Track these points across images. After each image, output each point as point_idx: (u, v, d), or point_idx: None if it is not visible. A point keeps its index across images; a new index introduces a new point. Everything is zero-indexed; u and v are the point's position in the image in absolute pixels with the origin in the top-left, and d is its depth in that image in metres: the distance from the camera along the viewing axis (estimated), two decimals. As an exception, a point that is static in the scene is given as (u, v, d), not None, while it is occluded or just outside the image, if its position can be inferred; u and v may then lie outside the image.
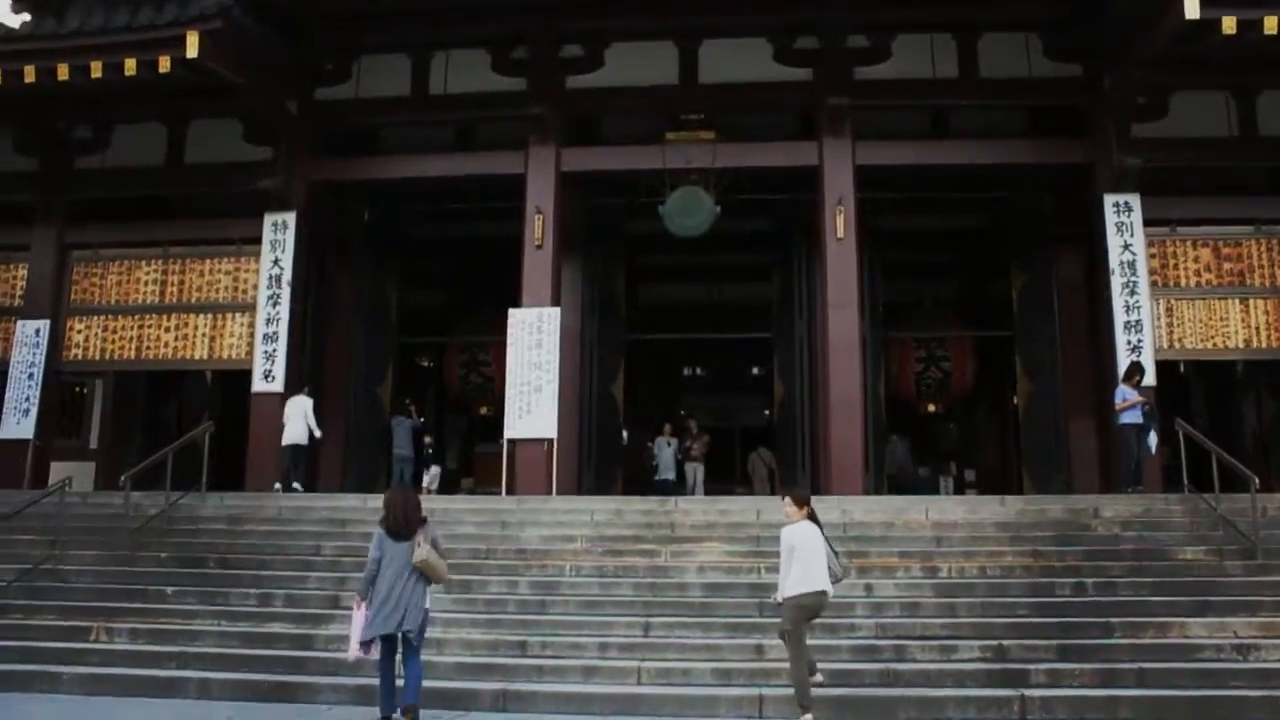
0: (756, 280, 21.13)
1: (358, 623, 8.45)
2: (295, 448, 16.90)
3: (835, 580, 8.75)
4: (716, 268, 21.86)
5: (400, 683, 8.51)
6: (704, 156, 17.29)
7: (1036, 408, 18.95)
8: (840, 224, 16.65)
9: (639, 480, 21.29)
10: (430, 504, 14.32)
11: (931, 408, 22.69)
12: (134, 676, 9.85)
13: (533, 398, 16.49)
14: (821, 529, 8.79)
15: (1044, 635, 10.14)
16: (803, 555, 8.50)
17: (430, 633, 10.23)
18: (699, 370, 26.39)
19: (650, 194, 17.77)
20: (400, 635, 8.39)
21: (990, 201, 19.62)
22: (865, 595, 11.11)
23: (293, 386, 17.25)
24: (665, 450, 19.94)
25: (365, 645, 8.40)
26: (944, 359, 21.85)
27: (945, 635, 10.17)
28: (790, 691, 8.70)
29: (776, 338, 20.04)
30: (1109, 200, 16.59)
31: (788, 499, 8.91)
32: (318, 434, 17.21)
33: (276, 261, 17.64)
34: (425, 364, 25.21)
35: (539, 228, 17.09)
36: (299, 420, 16.89)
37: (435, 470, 19.87)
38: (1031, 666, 9.47)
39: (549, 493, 15.83)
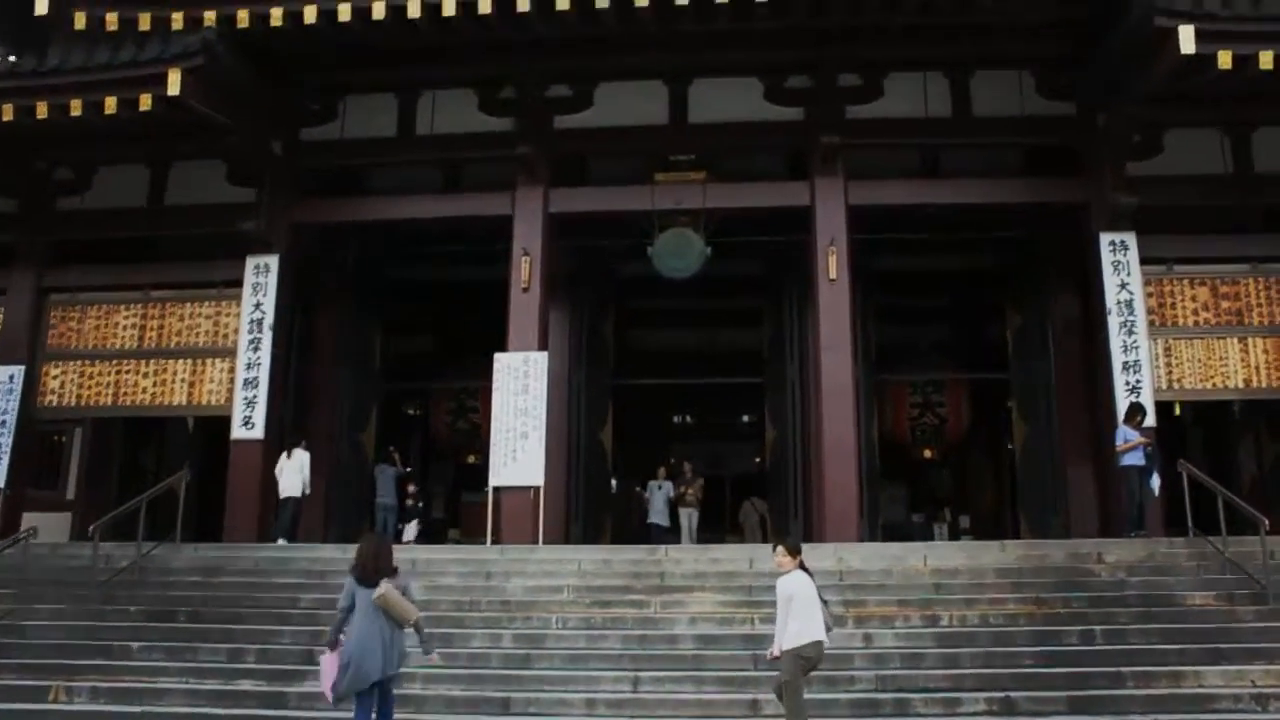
0: (747, 325, 20.82)
1: (327, 670, 8.31)
2: (295, 500, 16.42)
3: (827, 630, 8.52)
4: (707, 312, 21.48)
5: None
6: (694, 197, 16.93)
7: (1033, 451, 18.54)
8: (833, 265, 16.27)
9: (628, 530, 20.84)
10: (412, 554, 14.01)
11: (927, 453, 22.19)
12: (94, 738, 9.28)
13: (519, 444, 15.99)
14: (812, 578, 8.58)
15: (1052, 686, 9.64)
16: (800, 605, 8.29)
17: (409, 689, 9.79)
18: (689, 417, 25.98)
19: (640, 236, 17.43)
20: (379, 683, 8.22)
21: (985, 242, 19.29)
22: (864, 646, 10.61)
23: (274, 435, 16.79)
24: (658, 494, 19.16)
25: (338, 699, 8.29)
26: (939, 403, 21.45)
27: (949, 687, 9.66)
28: (787, 750, 8.23)
29: (768, 382, 19.63)
30: (1105, 239, 16.26)
31: (780, 549, 8.70)
32: (307, 490, 16.71)
33: (258, 305, 17.19)
34: (411, 411, 24.68)
35: (526, 270, 16.69)
36: (294, 474, 16.38)
37: (414, 525, 19.35)
38: (1041, 720, 8.98)
39: (535, 542, 15.29)
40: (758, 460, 24.17)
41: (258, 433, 16.73)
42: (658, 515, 18.84)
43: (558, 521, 17.70)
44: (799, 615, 8.27)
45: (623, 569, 13.13)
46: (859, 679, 9.78)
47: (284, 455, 16.86)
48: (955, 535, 21.82)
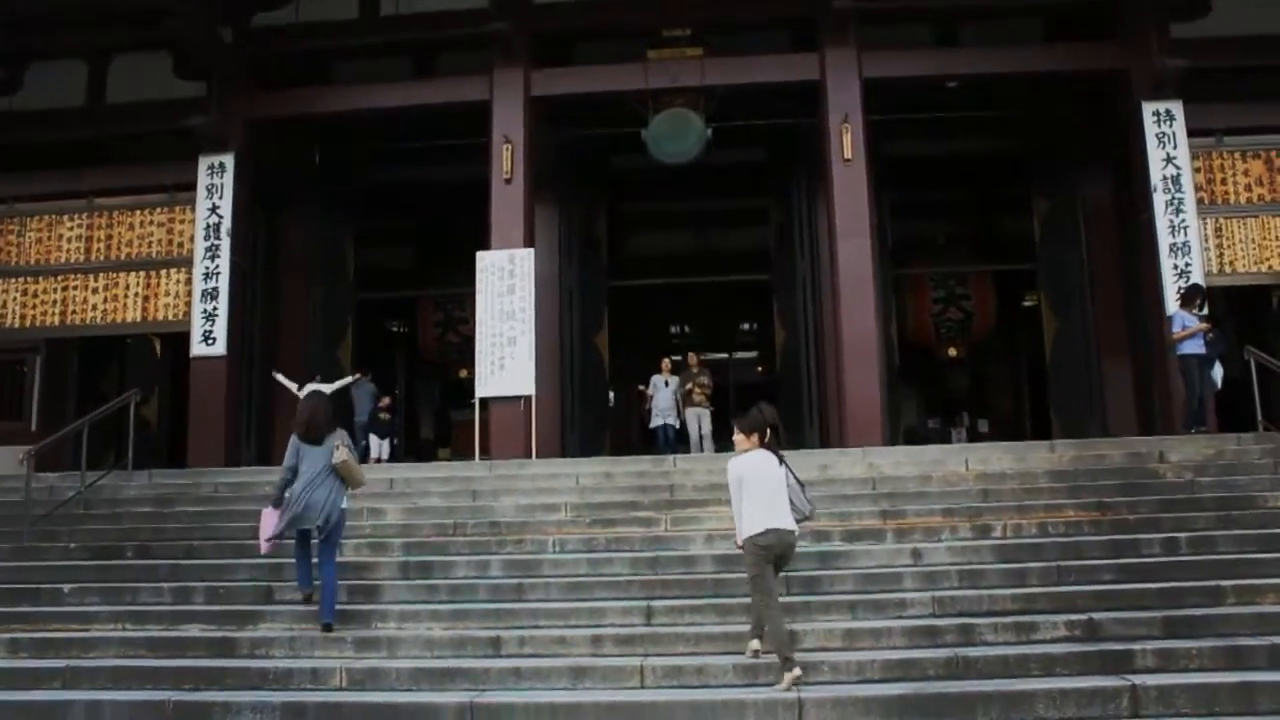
0: (752, 222, 18.92)
1: (266, 523, 8.59)
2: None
3: (802, 518, 7.63)
4: (708, 205, 19.43)
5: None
6: (692, 74, 15.10)
7: (1065, 346, 16.91)
8: (847, 143, 14.52)
9: (629, 444, 19.24)
10: (390, 473, 12.34)
11: (952, 351, 20.42)
12: (6, 703, 7.62)
13: (506, 351, 14.33)
14: (783, 460, 7.58)
15: (1141, 605, 8.02)
16: (755, 489, 7.34)
17: (381, 629, 8.25)
18: (689, 322, 23.94)
19: (633, 123, 15.54)
20: (317, 538, 8.46)
21: (1009, 122, 17.46)
22: (912, 564, 8.99)
23: (238, 350, 15.37)
24: (663, 391, 16.02)
25: (273, 544, 8.60)
26: (964, 296, 19.64)
27: (1019, 609, 8.04)
28: (835, 692, 6.71)
29: (776, 280, 17.84)
30: (1148, 109, 14.56)
31: (736, 428, 7.73)
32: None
33: (214, 209, 15.41)
34: (395, 327, 22.89)
35: (508, 160, 14.89)
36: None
37: (385, 443, 17.65)
38: (1135, 646, 7.34)
39: (528, 457, 13.70)
40: (759, 369, 22.50)
41: (219, 348, 15.10)
42: (664, 415, 15.83)
43: (552, 435, 16.10)
44: (753, 499, 7.31)
45: (626, 483, 11.52)
46: (911, 603, 8.15)
47: (298, 390, 15.38)
48: (974, 440, 20.18)
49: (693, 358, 16.38)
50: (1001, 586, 8.44)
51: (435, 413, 23.48)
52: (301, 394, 15.46)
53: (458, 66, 15.95)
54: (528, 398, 14.26)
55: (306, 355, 17.21)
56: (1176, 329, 12.61)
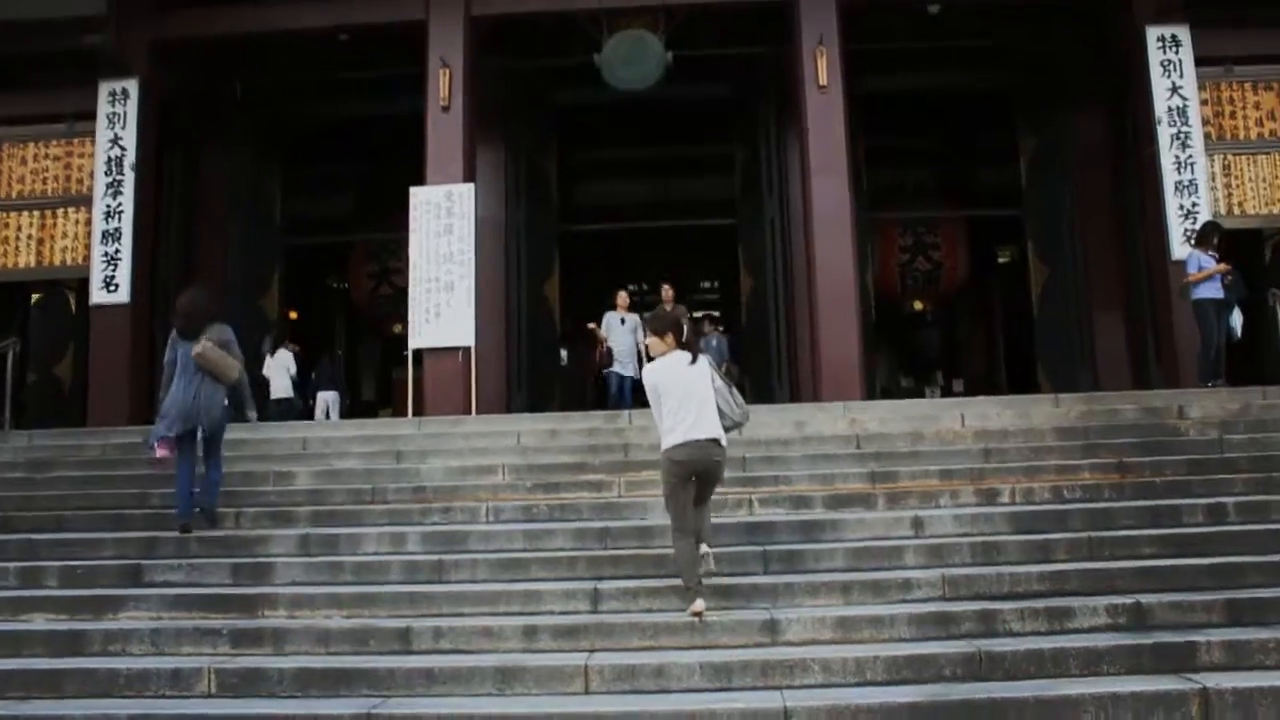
0: (716, 160, 17.17)
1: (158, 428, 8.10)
2: (287, 402, 14.94)
3: (732, 426, 6.57)
4: (668, 144, 17.58)
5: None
6: (651, -9, 13.36)
7: (1054, 297, 15.43)
8: (823, 69, 12.94)
9: (584, 406, 17.52)
10: (306, 431, 10.66)
11: (917, 305, 18.88)
12: None
13: (443, 298, 12.66)
14: (713, 364, 6.61)
15: (1194, 585, 6.51)
16: (672, 397, 6.33)
17: (267, 618, 6.61)
18: (649, 270, 21.93)
19: (585, 51, 13.81)
20: (200, 438, 8.08)
21: (994, 53, 15.82)
22: (914, 535, 7.45)
23: (144, 298, 13.62)
24: (618, 330, 13.21)
25: (165, 443, 7.96)
26: (932, 245, 18.01)
27: (1048, 591, 6.50)
28: (830, 698, 5.20)
29: (742, 223, 16.17)
30: (1152, 34, 13.11)
31: (647, 329, 6.87)
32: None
33: (116, 140, 13.58)
34: (331, 280, 20.99)
35: (445, 85, 13.16)
36: (281, 374, 15.00)
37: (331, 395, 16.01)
38: (1196, 638, 5.82)
39: (467, 415, 12.04)
40: (721, 327, 20.77)
41: (122, 296, 13.35)
42: (620, 361, 13.04)
43: (496, 393, 14.43)
44: (672, 409, 6.31)
45: (574, 442, 9.91)
46: (917, 583, 6.58)
47: (268, 355, 15.15)
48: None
49: (667, 292, 13.37)
50: (1024, 562, 6.90)
51: (376, 373, 21.65)
52: (268, 362, 14.93)
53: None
54: (467, 350, 12.60)
55: (226, 306, 15.29)
56: (1191, 271, 11.14)
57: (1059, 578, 6.60)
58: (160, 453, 8.00)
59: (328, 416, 15.83)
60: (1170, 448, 9.10)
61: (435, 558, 7.28)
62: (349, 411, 17.09)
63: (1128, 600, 6.19)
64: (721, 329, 15.39)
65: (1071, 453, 9.10)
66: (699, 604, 6.10)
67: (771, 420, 10.11)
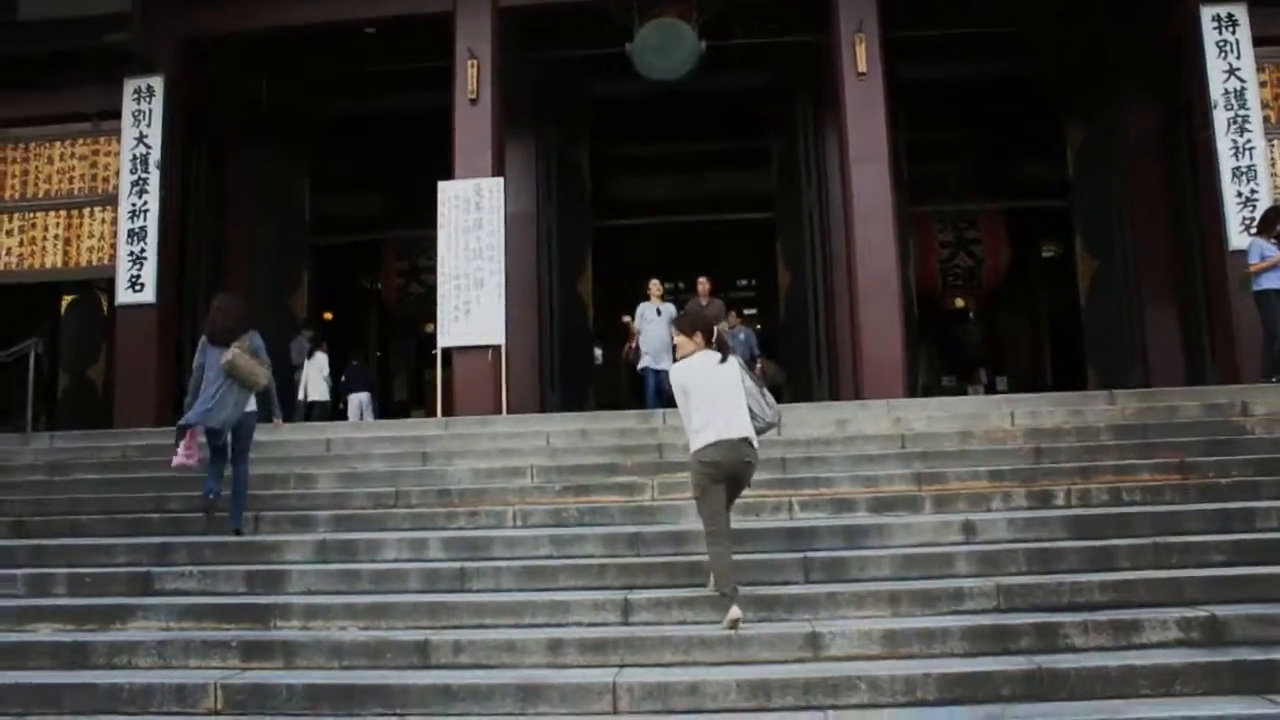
0: (754, 153, 16.59)
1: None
2: (320, 406, 14.83)
3: (764, 427, 6.32)
4: (704, 137, 16.98)
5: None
6: (683, -22, 12.95)
7: (1103, 290, 14.88)
8: (861, 56, 12.46)
9: (618, 408, 17.08)
10: (328, 433, 10.30)
11: (966, 302, 18.28)
12: None
13: (472, 295, 12.29)
14: (744, 365, 6.35)
15: (1274, 597, 5.96)
16: (701, 397, 6.06)
17: (279, 630, 6.25)
18: (686, 267, 21.31)
19: (617, 41, 13.38)
20: (229, 443, 7.98)
21: (1039, 40, 15.21)
22: (965, 540, 6.97)
23: (171, 298, 13.38)
24: (654, 323, 12.26)
25: (189, 448, 7.86)
26: (974, 241, 17.40)
27: (1112, 602, 5.99)
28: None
29: (780, 216, 15.69)
30: (1207, 13, 12.44)
31: (674, 329, 6.56)
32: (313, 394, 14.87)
33: (141, 138, 13.32)
34: (363, 279, 20.67)
35: (473, 77, 12.80)
36: (318, 377, 14.84)
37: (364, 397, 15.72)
38: None
39: (498, 414, 11.66)
40: (757, 326, 20.18)
41: (148, 295, 13.07)
42: (655, 356, 12.08)
43: (529, 393, 14.10)
44: (701, 409, 6.03)
45: (606, 443, 9.49)
46: (970, 593, 6.09)
47: (306, 359, 14.95)
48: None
49: (703, 285, 12.57)
50: (1084, 570, 6.40)
51: (409, 372, 21.35)
52: (306, 365, 14.73)
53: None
54: (497, 348, 12.22)
55: (255, 307, 15.00)
56: (1254, 260, 10.52)
57: (1124, 587, 6.09)
58: (178, 460, 7.90)
59: (360, 418, 15.54)
60: (1235, 447, 8.54)
61: (457, 565, 6.88)
62: (381, 412, 16.80)
63: (1201, 613, 5.68)
64: (744, 323, 14.75)
65: (1129, 452, 8.56)
66: (735, 612, 5.73)
67: (812, 419, 9.65)
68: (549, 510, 7.95)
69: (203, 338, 8.14)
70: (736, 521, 6.96)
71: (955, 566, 6.52)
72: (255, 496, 8.60)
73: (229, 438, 7.95)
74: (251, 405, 8.04)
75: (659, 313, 12.41)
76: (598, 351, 18.12)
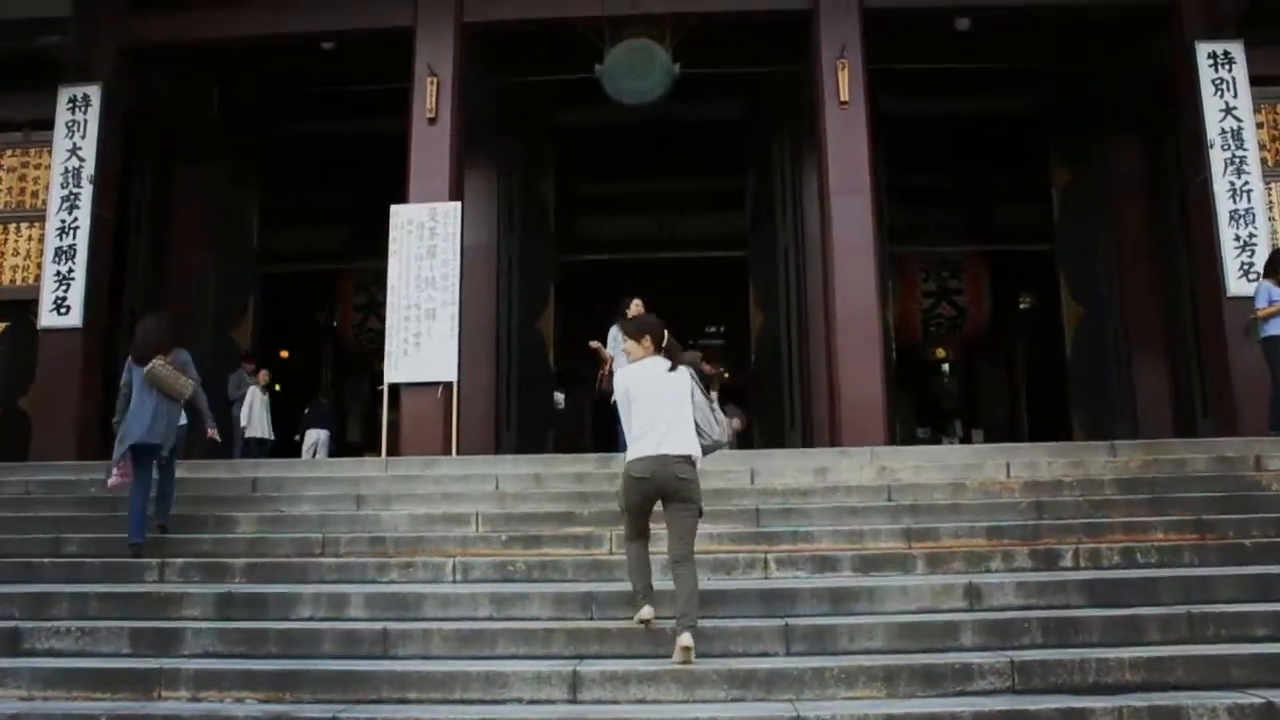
0: (727, 188, 15.69)
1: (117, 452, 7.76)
2: (263, 444, 13.81)
3: (711, 446, 5.77)
4: (675, 170, 16.03)
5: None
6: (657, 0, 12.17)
7: (1089, 338, 14.07)
8: (844, 82, 11.70)
9: (580, 446, 16.07)
10: (257, 471, 9.27)
11: (943, 352, 17.46)
12: None
13: (423, 326, 11.33)
14: (694, 376, 5.79)
15: (1332, 679, 5.09)
16: (645, 404, 5.60)
17: (162, 702, 5.23)
18: (654, 305, 20.15)
19: (586, 67, 12.53)
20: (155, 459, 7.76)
21: (1024, 75, 14.59)
22: (969, 607, 6.02)
23: (98, 323, 12.23)
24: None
25: (121, 468, 7.63)
26: (956, 291, 16.60)
27: (1147, 683, 5.06)
28: None
29: (753, 255, 14.82)
30: (1203, 50, 11.85)
31: (622, 333, 6.18)
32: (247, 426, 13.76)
33: (74, 150, 12.33)
34: (318, 315, 19.61)
35: (432, 96, 11.93)
36: (263, 410, 13.81)
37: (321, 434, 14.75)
38: (1352, 753, 4.42)
39: (448, 455, 10.67)
40: (725, 374, 19.21)
41: (74, 319, 12.04)
42: None
43: (482, 434, 13.14)
44: (642, 417, 5.58)
45: (562, 489, 8.51)
46: (980, 670, 5.13)
47: (254, 388, 13.82)
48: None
49: (636, 306, 10.69)
50: (1109, 644, 5.47)
51: (364, 411, 20.25)
52: (253, 394, 13.64)
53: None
54: (448, 385, 11.24)
55: (195, 335, 13.96)
56: (1261, 304, 9.75)
57: (1159, 666, 5.17)
58: (113, 481, 7.68)
59: (314, 456, 14.54)
60: (1253, 504, 7.71)
61: (380, 626, 5.84)
62: (335, 453, 15.71)
63: (1255, 700, 4.76)
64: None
65: (1138, 508, 7.68)
66: (646, 611, 5.48)
67: (788, 466, 8.72)
68: (493, 563, 6.95)
69: (129, 358, 8.09)
70: (704, 581, 6.05)
71: (960, 637, 5.57)
72: (164, 541, 7.61)
73: (157, 454, 7.78)
74: (179, 419, 7.99)
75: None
76: (559, 396, 17.17)
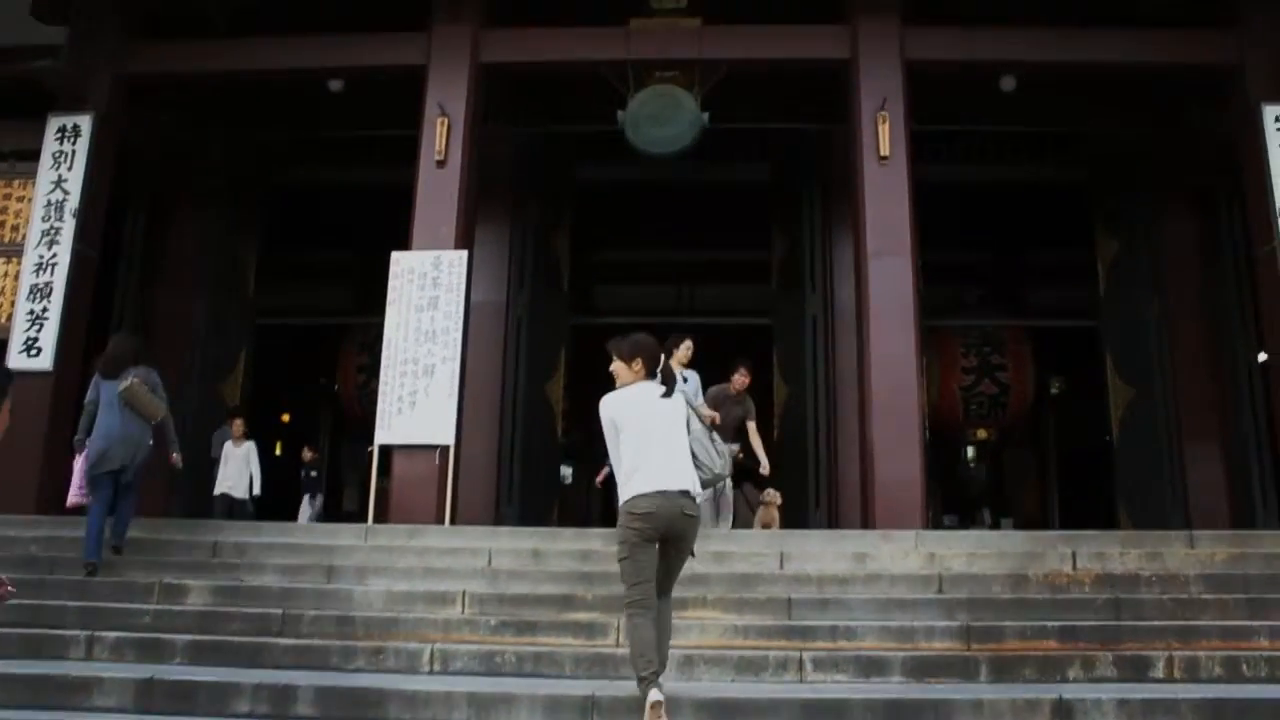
0: (752, 252, 14.65)
1: (78, 470, 7.75)
2: (236, 503, 12.08)
3: (710, 479, 5.14)
4: (698, 231, 15.11)
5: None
6: (686, 44, 11.36)
7: (1138, 422, 12.94)
8: (884, 136, 10.79)
9: (588, 522, 15.01)
10: (220, 535, 8.19)
11: (981, 434, 16.30)
12: None
13: (420, 384, 10.28)
14: (670, 391, 5.07)
15: None
16: (636, 435, 4.90)
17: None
18: None
19: (607, 119, 11.62)
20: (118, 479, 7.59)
21: (1069, 140, 13.75)
22: (1056, 731, 4.88)
23: (70, 368, 11.08)
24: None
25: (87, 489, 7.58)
26: (999, 367, 15.54)
27: None
28: None
29: (778, 322, 13.73)
30: (1270, 113, 10.87)
31: (613, 353, 5.25)
32: (256, 491, 12.25)
33: (59, 183, 11.41)
34: (319, 374, 18.57)
35: (442, 136, 11.02)
36: (241, 466, 12.17)
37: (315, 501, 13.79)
38: None
39: (442, 524, 9.58)
40: (740, 454, 17.98)
41: (44, 362, 10.98)
42: None
43: (482, 504, 12.07)
44: (634, 449, 4.90)
45: (563, 567, 7.40)
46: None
47: (229, 442, 12.28)
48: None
49: (739, 380, 9.81)
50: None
51: (361, 481, 19.13)
52: (228, 449, 12.30)
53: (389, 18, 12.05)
54: (444, 449, 10.16)
55: (182, 387, 12.90)
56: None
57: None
58: (72, 499, 7.76)
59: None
60: (1370, 610, 6.56)
61: (333, 731, 4.73)
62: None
63: None
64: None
65: (1233, 609, 6.59)
66: (655, 694, 4.52)
67: (823, 550, 7.62)
68: (478, 652, 5.84)
69: (95, 375, 8.01)
70: (732, 685, 4.90)
71: (1057, 774, 4.43)
72: (102, 610, 6.53)
73: (119, 475, 7.64)
74: (148, 439, 7.86)
75: (685, 380, 9.12)
76: (566, 470, 16.12)
